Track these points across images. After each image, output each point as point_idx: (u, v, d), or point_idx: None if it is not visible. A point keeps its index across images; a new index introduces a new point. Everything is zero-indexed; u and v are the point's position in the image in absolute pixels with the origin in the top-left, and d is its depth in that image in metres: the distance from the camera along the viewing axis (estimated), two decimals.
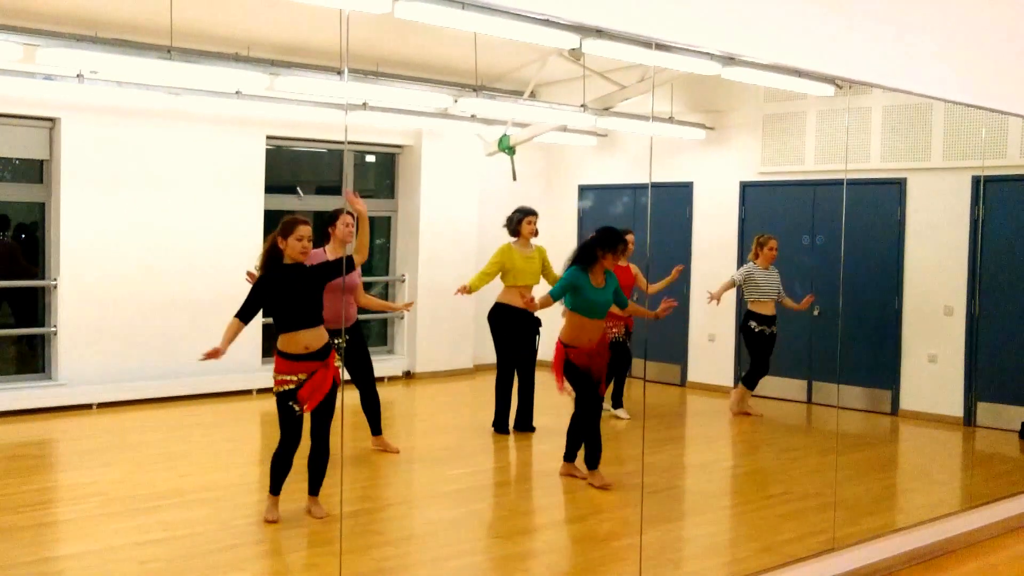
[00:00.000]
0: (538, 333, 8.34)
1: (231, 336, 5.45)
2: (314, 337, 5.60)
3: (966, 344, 8.91)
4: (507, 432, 8.20)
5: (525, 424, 8.30)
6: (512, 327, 8.22)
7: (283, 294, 5.55)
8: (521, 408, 8.34)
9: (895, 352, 9.18)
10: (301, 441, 5.73)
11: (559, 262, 11.40)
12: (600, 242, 6.58)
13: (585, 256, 6.60)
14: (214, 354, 5.33)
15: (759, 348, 8.77)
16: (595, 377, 6.66)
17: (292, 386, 5.58)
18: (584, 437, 6.72)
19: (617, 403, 8.83)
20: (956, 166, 8.95)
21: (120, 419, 8.61)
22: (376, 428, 7.37)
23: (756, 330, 8.73)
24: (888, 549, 5.94)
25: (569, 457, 6.83)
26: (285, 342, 5.57)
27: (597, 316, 6.61)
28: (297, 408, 5.62)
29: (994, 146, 8.71)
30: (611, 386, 8.47)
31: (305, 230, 5.58)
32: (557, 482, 7.08)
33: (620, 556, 5.43)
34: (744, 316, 8.90)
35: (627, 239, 8.46)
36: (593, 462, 6.71)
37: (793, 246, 9.86)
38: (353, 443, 7.47)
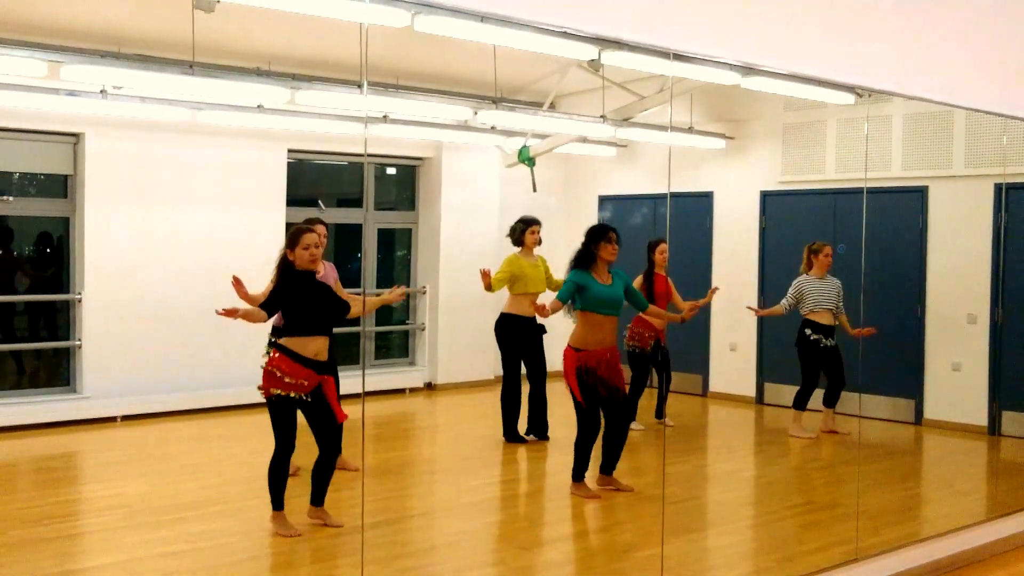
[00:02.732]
0: (541, 340, 8.38)
1: (251, 311, 5.48)
2: (323, 346, 5.62)
3: (990, 352, 8.84)
4: (519, 440, 8.23)
5: (540, 431, 8.34)
6: (519, 336, 8.30)
7: (296, 300, 5.58)
8: (534, 415, 8.38)
9: (918, 361, 9.12)
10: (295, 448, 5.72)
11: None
12: (589, 238, 6.62)
13: (582, 257, 6.61)
14: (231, 313, 5.39)
15: (813, 359, 8.58)
16: (611, 384, 6.56)
17: (292, 393, 5.54)
18: (607, 443, 6.67)
19: (660, 413, 8.85)
20: (978, 173, 8.90)
21: (144, 431, 8.66)
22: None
23: (811, 338, 8.60)
24: (912, 560, 5.89)
25: (577, 476, 6.68)
26: (296, 344, 5.56)
27: (609, 311, 6.54)
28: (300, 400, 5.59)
29: (1016, 153, 8.65)
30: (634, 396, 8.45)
31: (310, 238, 5.64)
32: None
33: (642, 567, 5.41)
34: (800, 324, 8.79)
35: (661, 246, 8.56)
36: (608, 467, 6.68)
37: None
38: (374, 455, 7.49)
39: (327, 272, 6.97)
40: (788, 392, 10.00)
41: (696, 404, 9.19)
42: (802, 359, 8.67)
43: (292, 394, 5.56)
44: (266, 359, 5.66)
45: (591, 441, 6.62)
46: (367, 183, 11.00)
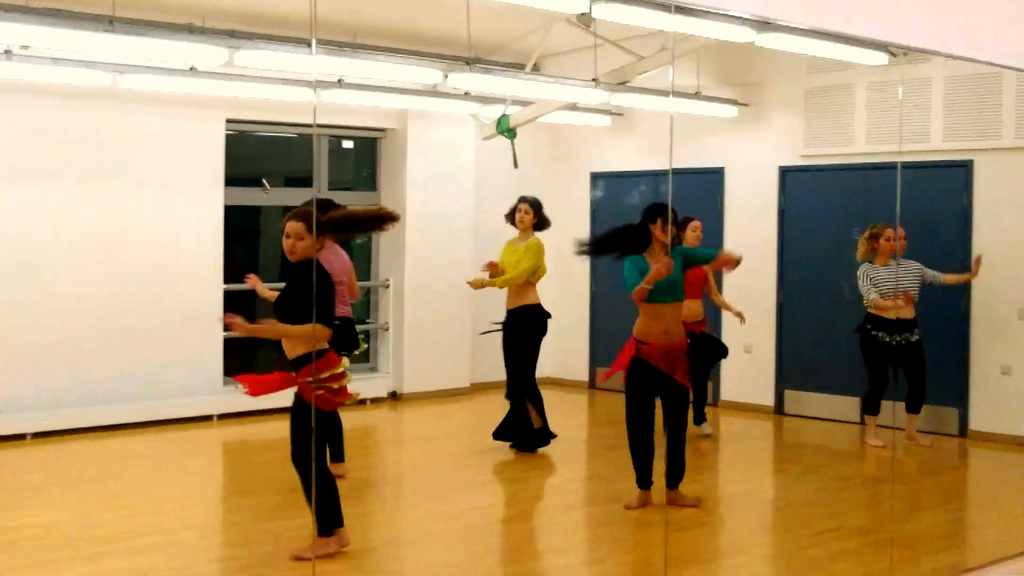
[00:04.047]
0: (544, 333, 8.54)
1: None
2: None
3: None
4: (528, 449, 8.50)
5: (532, 441, 8.53)
6: (506, 332, 8.52)
7: (292, 290, 5.73)
8: (520, 423, 8.54)
9: (962, 364, 9.18)
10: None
11: (565, 259, 11.41)
12: (646, 216, 6.82)
13: (635, 239, 6.79)
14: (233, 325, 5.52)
15: (877, 359, 8.69)
16: (674, 383, 6.80)
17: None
18: (669, 450, 6.87)
19: (700, 418, 8.91)
20: None
21: (59, 451, 8.62)
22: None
23: (878, 338, 8.65)
24: None
25: (644, 483, 6.93)
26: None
27: (674, 298, 6.78)
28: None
29: None
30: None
31: (291, 227, 5.70)
32: (569, 515, 7.09)
33: None
34: (863, 319, 8.81)
35: (693, 223, 8.75)
36: (675, 480, 6.93)
37: (840, 241, 9.87)
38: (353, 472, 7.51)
39: (332, 260, 7.06)
40: (813, 401, 10.05)
41: (705, 415, 9.22)
42: (865, 358, 8.74)
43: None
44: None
45: (642, 443, 6.85)
46: (319, 159, 10.97)
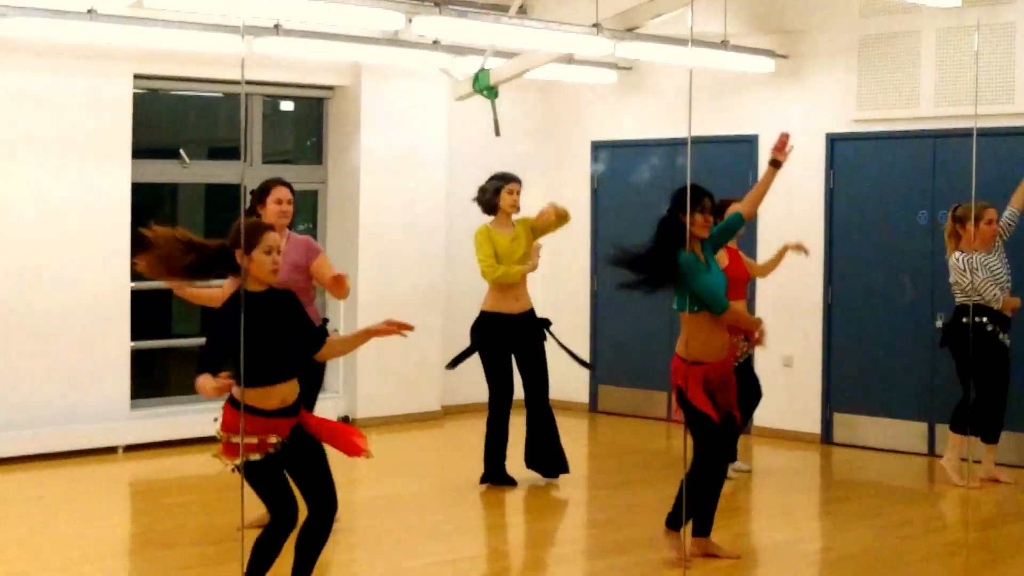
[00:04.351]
0: (545, 338, 8.74)
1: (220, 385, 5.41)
2: (291, 390, 5.67)
3: None
4: (506, 481, 8.67)
5: (551, 465, 8.78)
6: (509, 341, 8.66)
7: (251, 332, 5.51)
8: (541, 446, 8.78)
9: None
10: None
11: (559, 251, 11.40)
12: (676, 204, 6.81)
13: (676, 232, 6.73)
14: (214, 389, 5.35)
15: (1000, 364, 8.68)
16: (728, 410, 6.92)
17: (271, 450, 5.58)
18: (702, 492, 6.89)
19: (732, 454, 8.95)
20: None
21: None
22: None
23: (989, 330, 8.62)
24: None
25: (702, 530, 7.00)
26: (255, 397, 5.57)
27: (725, 306, 6.85)
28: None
29: None
30: None
31: (274, 238, 5.63)
32: (566, 570, 7.08)
33: None
34: (958, 312, 8.74)
35: (733, 206, 8.66)
36: (705, 527, 6.99)
37: (904, 226, 9.90)
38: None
39: (289, 249, 7.10)
40: (869, 427, 10.07)
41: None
42: (974, 361, 8.68)
43: (271, 451, 5.58)
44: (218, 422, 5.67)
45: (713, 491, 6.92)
46: (250, 124, 10.94)
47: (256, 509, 6.23)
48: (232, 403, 5.58)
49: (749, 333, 7.97)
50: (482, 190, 8.79)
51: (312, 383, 7.26)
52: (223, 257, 5.64)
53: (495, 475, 8.71)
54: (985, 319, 8.59)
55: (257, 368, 5.49)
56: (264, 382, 5.55)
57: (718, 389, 6.86)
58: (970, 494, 8.50)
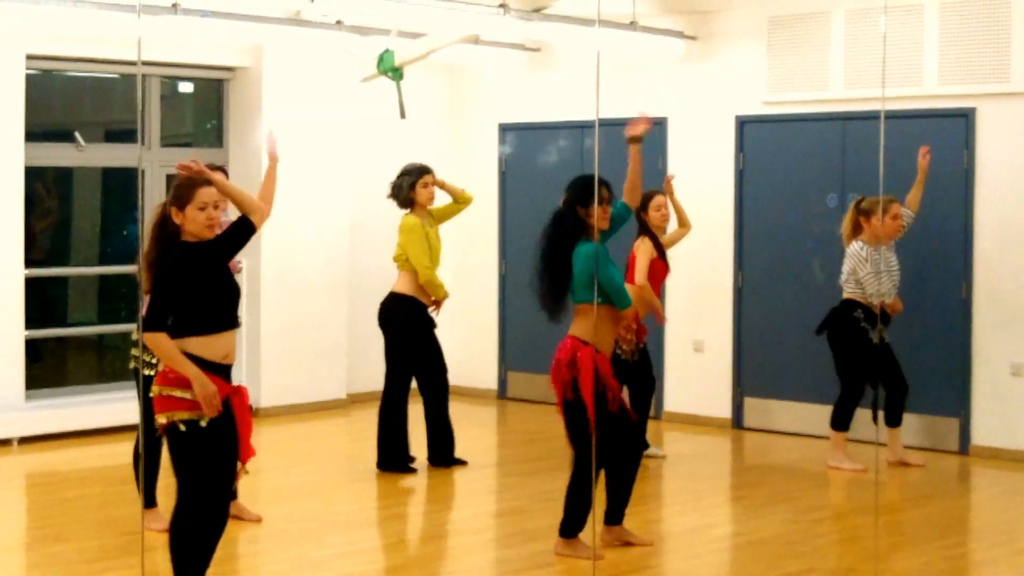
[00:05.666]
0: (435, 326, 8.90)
1: (180, 358, 5.43)
2: (233, 343, 5.70)
3: None
4: (400, 468, 8.76)
5: (445, 456, 8.91)
6: (416, 327, 8.79)
7: (196, 285, 5.53)
8: (437, 436, 8.90)
9: (963, 363, 9.36)
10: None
11: (465, 234, 11.43)
12: (573, 196, 6.82)
13: (577, 224, 6.77)
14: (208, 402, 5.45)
15: (864, 358, 8.78)
16: (622, 400, 6.93)
17: (204, 414, 5.53)
18: (615, 484, 6.93)
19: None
20: None
21: None
22: None
23: (863, 326, 8.74)
24: None
25: (569, 531, 6.88)
26: (200, 346, 5.53)
27: (628, 303, 6.86)
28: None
29: None
30: None
31: (207, 194, 5.57)
32: (473, 561, 7.10)
33: None
34: (843, 306, 8.87)
35: (656, 199, 8.84)
36: (617, 516, 7.00)
37: (814, 209, 10.00)
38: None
39: None
40: (779, 411, 10.18)
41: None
42: (847, 357, 8.83)
43: (200, 419, 5.51)
44: (154, 374, 5.61)
45: (592, 481, 6.79)
46: (147, 107, 10.84)
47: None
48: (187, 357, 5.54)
49: (641, 327, 8.36)
50: (396, 186, 8.83)
51: None
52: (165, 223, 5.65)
53: (390, 461, 8.77)
54: (860, 313, 8.74)
55: (199, 317, 5.49)
56: (208, 330, 5.55)
57: (611, 381, 6.86)
58: (878, 478, 8.63)
